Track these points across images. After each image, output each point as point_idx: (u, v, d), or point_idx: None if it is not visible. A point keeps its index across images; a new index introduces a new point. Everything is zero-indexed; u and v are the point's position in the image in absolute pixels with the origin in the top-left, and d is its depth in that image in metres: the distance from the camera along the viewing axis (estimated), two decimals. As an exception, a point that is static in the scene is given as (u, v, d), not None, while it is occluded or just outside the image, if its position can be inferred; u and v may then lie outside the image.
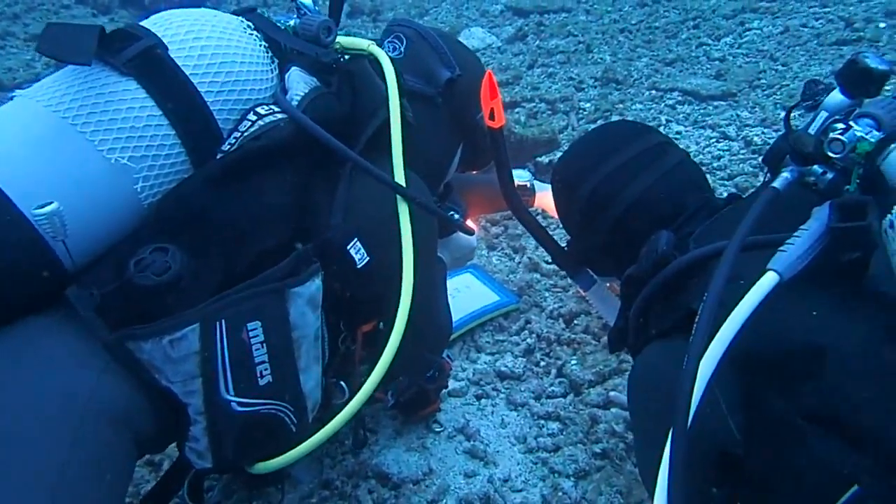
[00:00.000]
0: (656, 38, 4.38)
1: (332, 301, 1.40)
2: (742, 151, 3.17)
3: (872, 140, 1.08)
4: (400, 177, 1.47)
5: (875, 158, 1.08)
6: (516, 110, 3.66)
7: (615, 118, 3.52)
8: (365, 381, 1.41)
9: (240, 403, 1.25)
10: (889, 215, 1.02)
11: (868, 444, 0.99)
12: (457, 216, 1.80)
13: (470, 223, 1.95)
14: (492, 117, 1.47)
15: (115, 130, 1.23)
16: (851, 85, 1.15)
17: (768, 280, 1.05)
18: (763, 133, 3.27)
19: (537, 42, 4.55)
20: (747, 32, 4.28)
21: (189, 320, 1.19)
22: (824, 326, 1.09)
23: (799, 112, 1.26)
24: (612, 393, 2.01)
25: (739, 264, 1.08)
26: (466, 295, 2.44)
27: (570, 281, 2.51)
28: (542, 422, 1.98)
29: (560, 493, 1.74)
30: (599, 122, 3.44)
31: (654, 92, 3.77)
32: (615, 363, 2.12)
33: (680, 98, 3.67)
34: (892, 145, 1.07)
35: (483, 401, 2.08)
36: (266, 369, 1.26)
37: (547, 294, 2.49)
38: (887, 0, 4.28)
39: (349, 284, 1.43)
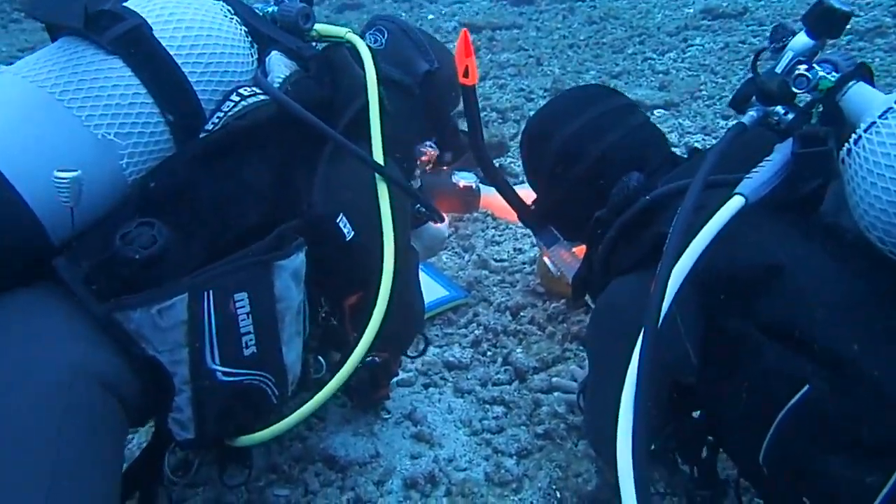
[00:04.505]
0: (604, 53, 4.54)
1: (314, 276, 1.44)
2: (683, 156, 3.30)
3: (832, 78, 1.21)
4: (378, 156, 1.51)
5: (835, 95, 1.20)
6: (468, 118, 3.75)
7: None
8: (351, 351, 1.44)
9: (224, 373, 1.27)
10: (846, 144, 1.15)
11: (817, 350, 1.11)
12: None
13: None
14: (466, 75, 1.54)
15: (101, 107, 1.26)
16: (816, 25, 1.25)
17: (735, 202, 1.16)
18: (703, 140, 3.41)
19: (489, 56, 4.67)
20: (690, 48, 4.48)
21: (177, 290, 1.22)
22: (781, 247, 1.21)
23: (765, 58, 1.36)
24: (554, 379, 2.07)
25: (706, 197, 1.18)
26: (416, 290, 2.48)
27: (517, 276, 2.59)
28: (488, 406, 2.03)
29: (502, 471, 1.79)
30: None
31: (601, 102, 3.90)
32: (558, 351, 2.19)
33: (625, 108, 3.81)
34: (851, 83, 1.19)
35: (431, 389, 2.13)
36: (251, 340, 1.29)
37: (495, 289, 2.55)
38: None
39: (337, 258, 1.47)
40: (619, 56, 4.49)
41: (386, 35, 1.83)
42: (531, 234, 2.71)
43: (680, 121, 3.63)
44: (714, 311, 1.24)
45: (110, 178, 1.27)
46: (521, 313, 2.39)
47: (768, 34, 4.53)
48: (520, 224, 2.77)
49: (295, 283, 1.38)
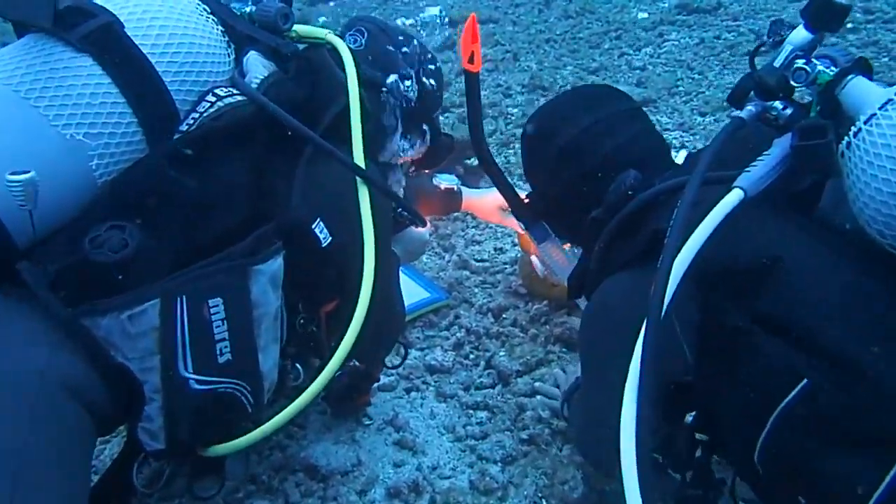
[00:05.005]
0: (580, 48, 4.52)
1: (292, 281, 1.40)
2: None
3: (831, 72, 1.20)
4: (359, 159, 1.48)
5: (834, 89, 1.20)
6: (446, 115, 3.70)
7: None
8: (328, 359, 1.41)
9: (198, 381, 1.23)
10: (846, 137, 1.14)
11: (817, 345, 1.10)
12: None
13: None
14: (471, 61, 1.52)
15: (70, 106, 1.21)
16: (815, 18, 1.24)
17: (734, 196, 1.15)
18: (681, 136, 3.41)
19: (466, 50, 4.62)
20: (665, 43, 4.47)
21: (149, 295, 1.18)
22: (781, 242, 1.21)
23: (762, 52, 1.36)
24: (537, 383, 2.05)
25: (704, 192, 1.17)
26: (396, 292, 2.44)
27: (498, 277, 2.57)
28: (471, 411, 2.01)
29: (487, 478, 1.77)
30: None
31: (578, 98, 3.88)
32: (542, 353, 2.17)
33: (603, 104, 3.79)
34: (850, 76, 1.19)
35: (413, 394, 2.09)
36: (226, 347, 1.26)
37: (476, 290, 2.52)
38: (792, 15, 4.55)
39: (313, 263, 1.43)
40: (595, 51, 4.47)
41: (366, 36, 1.80)
42: (511, 234, 2.70)
43: (657, 117, 3.61)
44: (713, 305, 1.23)
45: (79, 180, 1.23)
46: (504, 315, 2.36)
47: (742, 29, 4.53)
48: (500, 226, 2.77)
49: (272, 288, 1.34)
